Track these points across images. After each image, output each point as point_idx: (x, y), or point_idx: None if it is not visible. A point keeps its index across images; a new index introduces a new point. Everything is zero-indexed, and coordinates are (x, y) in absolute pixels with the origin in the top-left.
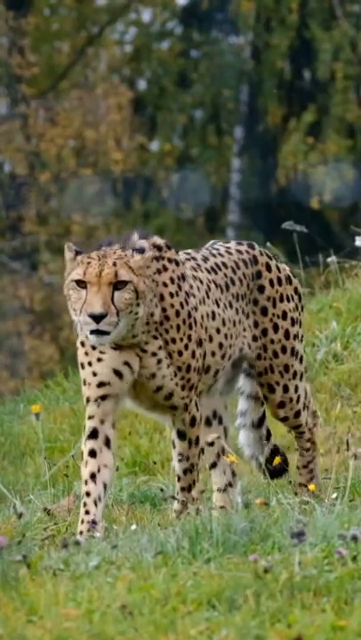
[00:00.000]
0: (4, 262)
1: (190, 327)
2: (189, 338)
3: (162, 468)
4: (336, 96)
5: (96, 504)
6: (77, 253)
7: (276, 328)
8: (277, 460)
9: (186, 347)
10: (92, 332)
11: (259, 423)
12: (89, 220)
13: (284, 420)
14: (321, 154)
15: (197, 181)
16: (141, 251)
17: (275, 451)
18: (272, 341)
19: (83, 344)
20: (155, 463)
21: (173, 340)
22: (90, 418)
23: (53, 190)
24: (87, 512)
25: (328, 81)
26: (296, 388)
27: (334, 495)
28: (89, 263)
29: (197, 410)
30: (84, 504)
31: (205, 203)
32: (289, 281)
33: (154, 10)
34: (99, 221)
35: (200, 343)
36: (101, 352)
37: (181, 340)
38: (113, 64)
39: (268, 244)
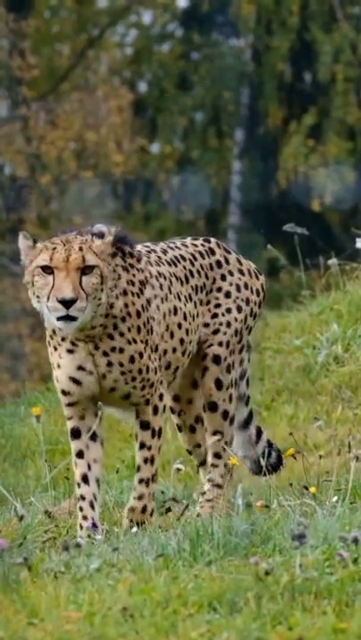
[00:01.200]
0: (5, 265)
1: (148, 333)
2: (147, 342)
3: (163, 470)
4: (337, 98)
5: (92, 506)
6: (35, 241)
7: (239, 309)
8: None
9: (145, 349)
10: (60, 318)
11: (245, 424)
12: (89, 222)
13: (213, 407)
14: (322, 156)
15: (198, 184)
16: (101, 235)
17: (268, 449)
18: (235, 319)
19: (49, 342)
20: None
21: (135, 340)
22: (69, 419)
23: (54, 193)
24: (85, 517)
25: (329, 83)
26: (232, 382)
27: (335, 498)
28: (54, 249)
29: (161, 400)
30: (81, 508)
31: (206, 205)
32: (255, 276)
33: (154, 12)
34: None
35: (155, 349)
36: (60, 356)
37: (142, 341)
38: (113, 66)
39: (269, 246)
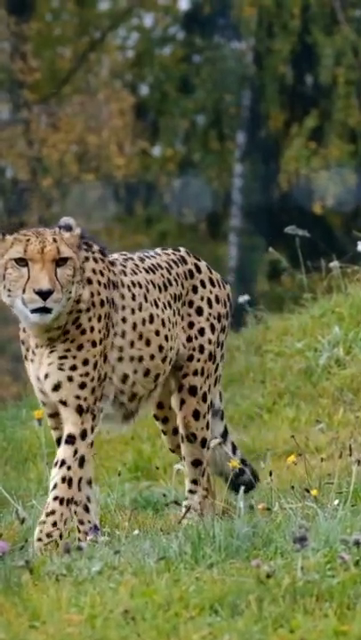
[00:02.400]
0: None
1: (106, 329)
2: (104, 336)
3: (164, 473)
4: (338, 101)
5: (87, 509)
6: (4, 234)
7: (212, 329)
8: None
9: (100, 341)
10: (36, 310)
11: (222, 438)
12: (91, 225)
13: (191, 437)
14: (323, 159)
15: (199, 186)
16: (68, 228)
17: (243, 463)
18: (209, 342)
19: (23, 342)
20: (157, 468)
21: (92, 329)
22: (53, 429)
23: (56, 196)
24: (81, 522)
25: (330, 86)
26: (208, 407)
27: (337, 501)
28: (28, 240)
29: (92, 432)
30: (75, 513)
31: (207, 208)
32: (223, 286)
33: (156, 15)
34: (101, 227)
35: (105, 358)
36: (28, 368)
37: (100, 331)
38: (115, 69)
39: (271, 248)
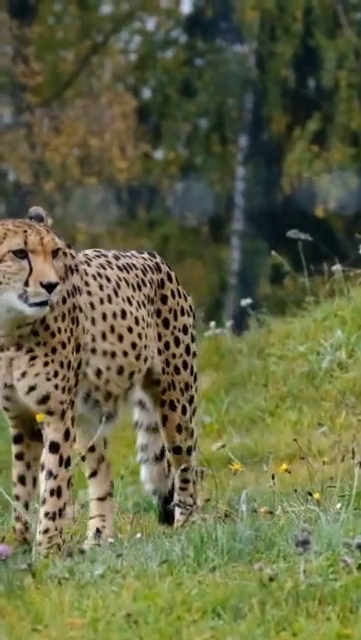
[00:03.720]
0: None
1: (73, 322)
2: (72, 331)
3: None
4: (340, 104)
5: (27, 507)
6: None
7: (177, 342)
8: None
9: (68, 340)
10: (37, 304)
11: (161, 455)
12: (94, 228)
13: (178, 450)
14: (325, 162)
15: (202, 190)
16: (40, 219)
17: (172, 489)
18: (174, 356)
19: None
20: None
21: (59, 331)
22: (12, 426)
23: (58, 199)
24: (17, 518)
25: (332, 89)
26: (191, 419)
27: (339, 504)
28: (25, 232)
29: (73, 425)
30: (14, 509)
31: (210, 211)
32: (185, 297)
33: (158, 18)
34: (103, 230)
35: (78, 348)
36: None
37: (65, 331)
38: (117, 72)
39: (273, 252)
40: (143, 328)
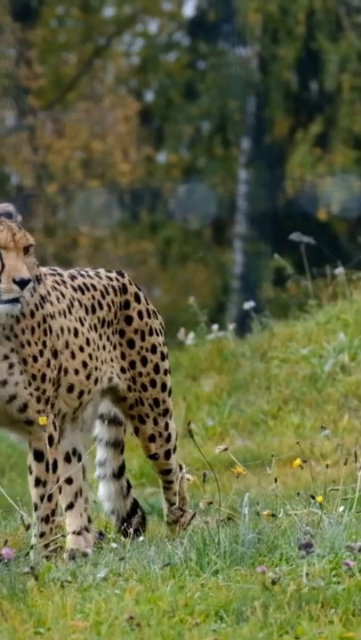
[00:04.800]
0: None
1: (45, 333)
2: (44, 344)
3: None
4: (343, 107)
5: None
6: None
7: (144, 361)
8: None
9: (41, 353)
10: (9, 300)
11: (119, 473)
12: (96, 231)
13: (154, 457)
14: (328, 165)
15: (204, 193)
16: (9, 215)
17: (134, 506)
18: (140, 374)
19: None
20: None
21: (29, 343)
22: None
23: (60, 202)
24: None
25: (335, 92)
26: (167, 425)
27: (342, 507)
28: None
29: (55, 429)
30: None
31: (212, 214)
32: (155, 315)
33: (161, 21)
34: (106, 233)
35: (55, 354)
36: None
37: (36, 344)
38: (120, 75)
39: (276, 255)
40: (94, 350)
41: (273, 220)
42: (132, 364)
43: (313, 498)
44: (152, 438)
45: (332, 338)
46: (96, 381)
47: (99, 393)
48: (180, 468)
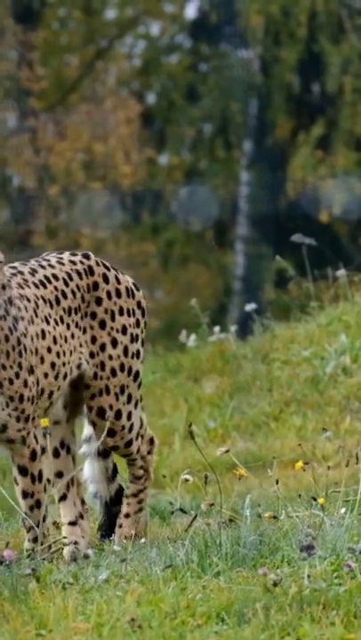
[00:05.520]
0: None
1: (20, 354)
2: (20, 365)
3: (171, 481)
4: (345, 109)
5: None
6: None
7: (114, 343)
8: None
9: (17, 375)
10: None
11: (105, 452)
12: (98, 233)
13: (113, 448)
14: (330, 167)
15: (206, 195)
16: None
17: (119, 494)
18: (110, 357)
19: None
20: (164, 477)
21: (4, 367)
22: None
23: (62, 204)
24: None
25: (337, 94)
26: (130, 415)
27: (343, 509)
28: None
29: (37, 442)
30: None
31: (214, 216)
32: (131, 294)
33: (163, 23)
34: (107, 235)
35: (32, 370)
36: None
37: (11, 367)
38: (122, 77)
39: (278, 257)
40: (61, 346)
41: (275, 221)
42: (103, 347)
43: (315, 500)
44: (111, 433)
45: (334, 340)
46: (65, 376)
47: (68, 385)
48: (152, 441)
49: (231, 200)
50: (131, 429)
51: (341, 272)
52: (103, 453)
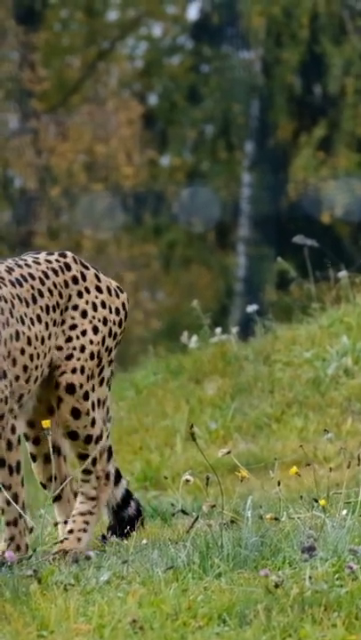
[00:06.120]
0: None
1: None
2: None
3: (172, 482)
4: (347, 111)
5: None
6: None
7: (95, 330)
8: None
9: None
10: None
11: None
12: (99, 234)
13: (72, 436)
14: (332, 168)
15: (208, 196)
16: None
17: (127, 497)
18: (91, 342)
19: None
20: (165, 478)
21: None
22: None
23: (64, 205)
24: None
25: (339, 95)
26: (94, 405)
27: (345, 510)
28: None
29: (13, 433)
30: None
31: (216, 217)
32: (116, 294)
33: (164, 25)
34: (109, 236)
35: (5, 375)
36: None
37: None
38: (124, 79)
39: (279, 258)
40: (35, 348)
41: (276, 223)
42: (84, 333)
43: (316, 501)
44: (75, 413)
45: (336, 341)
46: (35, 380)
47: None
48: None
49: (233, 201)
50: (93, 423)
51: (343, 273)
52: None
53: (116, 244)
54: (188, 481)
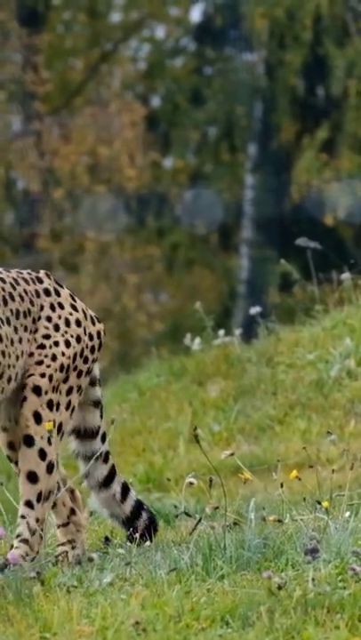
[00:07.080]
0: None
1: None
2: None
3: (175, 484)
4: (350, 112)
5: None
6: None
7: (67, 344)
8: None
9: None
10: None
11: (106, 482)
12: (102, 236)
13: (28, 442)
14: (334, 170)
15: (211, 198)
16: None
17: (137, 509)
18: (63, 354)
19: None
20: (168, 480)
21: None
22: None
23: (67, 207)
24: None
25: (341, 97)
26: (54, 424)
27: (348, 512)
28: None
29: None
30: None
31: (219, 219)
32: (92, 321)
33: (167, 27)
34: (112, 238)
35: None
36: None
37: None
38: (126, 81)
39: (282, 260)
40: (7, 346)
41: (279, 225)
42: (57, 344)
43: (319, 503)
44: (37, 417)
45: (339, 343)
46: (9, 380)
47: (14, 392)
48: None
49: (236, 203)
50: (50, 443)
51: (346, 275)
52: (104, 483)
53: (119, 245)
54: (191, 483)
